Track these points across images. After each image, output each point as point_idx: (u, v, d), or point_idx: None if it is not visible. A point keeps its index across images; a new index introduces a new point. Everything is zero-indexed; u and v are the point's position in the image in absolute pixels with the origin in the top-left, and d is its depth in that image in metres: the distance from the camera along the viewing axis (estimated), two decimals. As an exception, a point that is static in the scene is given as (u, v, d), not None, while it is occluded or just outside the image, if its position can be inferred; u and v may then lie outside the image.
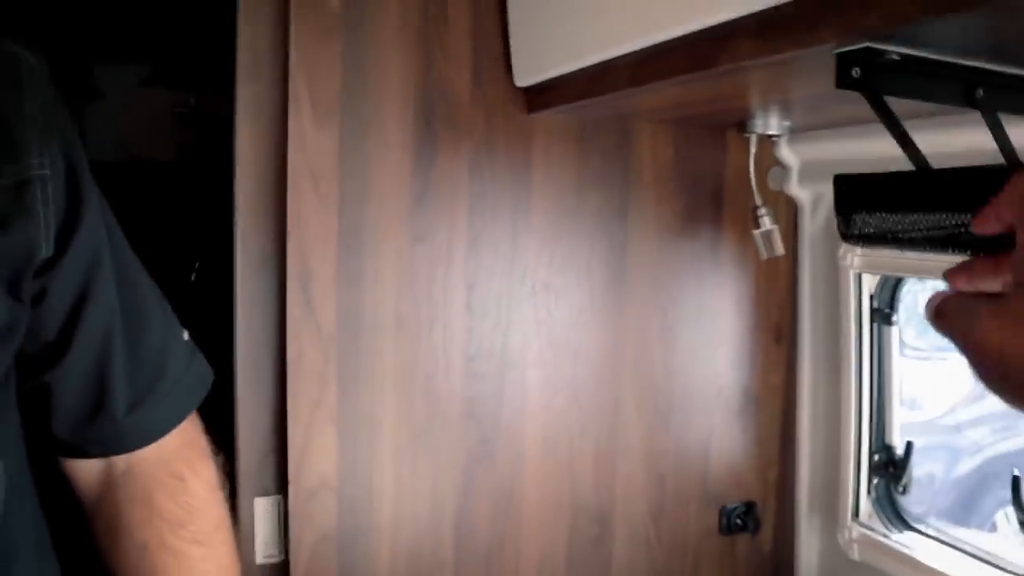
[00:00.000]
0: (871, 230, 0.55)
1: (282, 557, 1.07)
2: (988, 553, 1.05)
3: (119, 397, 0.65)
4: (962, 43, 0.64)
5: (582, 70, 0.95)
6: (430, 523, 1.12)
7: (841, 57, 0.64)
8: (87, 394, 0.64)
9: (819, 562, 1.27)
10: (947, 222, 0.49)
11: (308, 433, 1.05)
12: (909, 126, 0.63)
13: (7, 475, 0.60)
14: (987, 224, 0.41)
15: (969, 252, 0.45)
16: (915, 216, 0.51)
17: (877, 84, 0.64)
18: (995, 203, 0.41)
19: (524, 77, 1.07)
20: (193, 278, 1.94)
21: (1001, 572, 1.02)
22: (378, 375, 1.08)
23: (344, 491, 1.07)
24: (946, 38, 0.62)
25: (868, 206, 0.55)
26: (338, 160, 1.04)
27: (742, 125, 1.12)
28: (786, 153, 1.20)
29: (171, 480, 0.70)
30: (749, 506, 1.29)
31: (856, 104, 0.64)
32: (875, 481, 1.18)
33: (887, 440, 1.18)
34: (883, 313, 1.16)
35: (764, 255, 1.16)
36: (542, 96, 1.08)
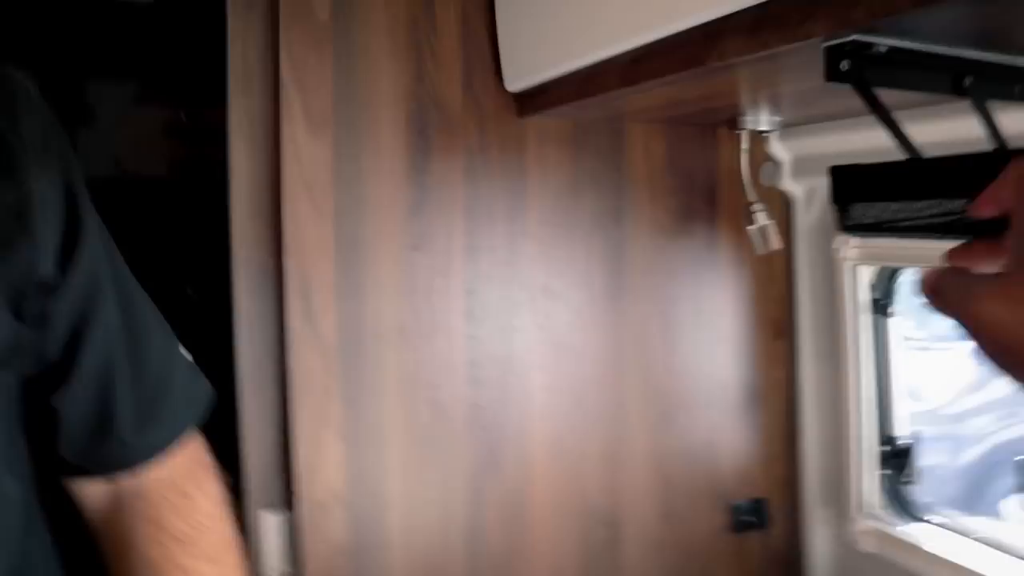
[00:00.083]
0: (870, 220, 0.55)
1: (292, 571, 1.07)
2: (997, 540, 1.05)
3: (124, 417, 0.65)
4: (949, 33, 0.64)
5: (572, 73, 0.95)
6: (440, 533, 1.11)
7: (829, 51, 0.64)
8: (93, 415, 0.64)
9: (830, 555, 1.27)
10: (947, 208, 0.49)
11: (314, 446, 1.05)
12: (899, 117, 0.64)
13: (24, 499, 0.60)
14: (986, 208, 0.42)
15: (969, 237, 0.46)
16: (916, 204, 0.51)
17: (866, 76, 0.64)
18: (993, 187, 0.41)
19: (515, 82, 1.08)
20: (190, 292, 1.94)
21: (1012, 558, 1.02)
22: (381, 385, 1.08)
23: (353, 503, 1.07)
24: (933, 28, 0.63)
25: (866, 196, 0.55)
26: (333, 170, 1.04)
27: (733, 122, 1.13)
28: (778, 148, 1.20)
29: (178, 498, 0.70)
30: (758, 502, 1.29)
31: (846, 97, 0.64)
32: (882, 473, 1.18)
33: (891, 431, 1.18)
34: (881, 304, 1.17)
35: (760, 250, 1.16)
36: (534, 100, 1.08)
